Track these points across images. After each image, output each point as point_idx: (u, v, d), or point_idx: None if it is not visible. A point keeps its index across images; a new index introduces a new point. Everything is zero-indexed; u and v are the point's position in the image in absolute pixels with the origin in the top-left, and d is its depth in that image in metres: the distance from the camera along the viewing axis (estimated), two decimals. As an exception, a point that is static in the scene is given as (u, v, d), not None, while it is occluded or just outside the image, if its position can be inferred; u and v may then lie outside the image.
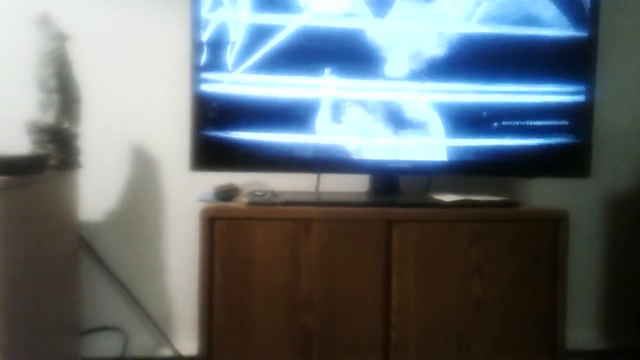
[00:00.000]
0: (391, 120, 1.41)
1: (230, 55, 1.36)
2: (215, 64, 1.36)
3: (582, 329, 1.80)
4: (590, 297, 1.84)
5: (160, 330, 1.69)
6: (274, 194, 1.32)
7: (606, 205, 1.85)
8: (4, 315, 1.06)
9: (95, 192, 1.63)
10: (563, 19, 1.45)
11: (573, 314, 1.41)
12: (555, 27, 1.44)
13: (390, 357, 1.31)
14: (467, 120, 1.43)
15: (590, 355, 1.78)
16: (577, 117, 1.46)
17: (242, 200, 1.34)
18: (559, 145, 1.46)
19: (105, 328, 1.67)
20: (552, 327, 1.35)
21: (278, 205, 1.30)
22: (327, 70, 1.38)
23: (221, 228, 1.27)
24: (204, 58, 1.36)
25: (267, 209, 1.29)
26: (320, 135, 1.39)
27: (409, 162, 1.43)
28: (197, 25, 1.36)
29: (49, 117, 1.37)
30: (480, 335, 1.33)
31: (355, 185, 1.60)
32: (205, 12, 1.36)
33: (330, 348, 1.30)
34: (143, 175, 1.68)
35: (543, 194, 1.76)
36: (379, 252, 1.30)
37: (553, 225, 1.34)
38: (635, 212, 1.83)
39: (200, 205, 1.28)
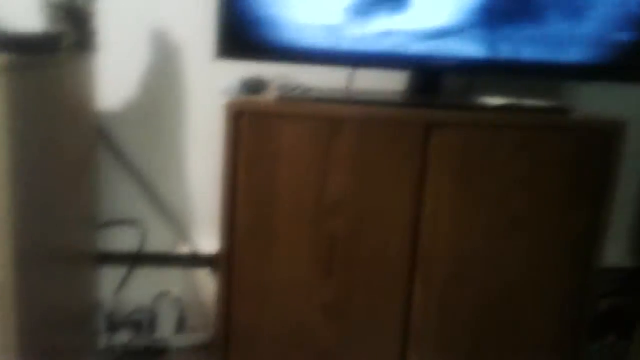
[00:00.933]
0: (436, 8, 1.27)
1: None
2: None
3: (611, 246, 1.73)
4: (622, 215, 1.76)
5: (179, 226, 1.65)
6: (305, 88, 1.22)
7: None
8: (15, 202, 1.00)
9: (113, 79, 1.52)
10: None
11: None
12: None
13: (417, 269, 1.26)
14: (518, 10, 1.28)
15: (619, 272, 1.73)
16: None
17: (271, 94, 1.24)
18: (622, 43, 1.31)
19: (123, 222, 1.63)
20: (589, 246, 1.28)
21: (309, 101, 1.19)
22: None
23: (247, 124, 1.17)
24: None
25: (298, 105, 1.19)
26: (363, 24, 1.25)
27: (454, 57, 1.29)
28: None
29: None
30: (512, 250, 1.26)
31: (392, 82, 1.47)
32: None
33: (355, 256, 1.24)
34: (164, 62, 1.55)
35: (595, 101, 1.61)
36: (415, 157, 1.21)
37: (607, 138, 1.23)
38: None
39: (224, 98, 1.18)
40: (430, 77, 1.36)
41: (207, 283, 1.65)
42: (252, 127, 1.18)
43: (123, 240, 1.63)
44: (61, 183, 1.27)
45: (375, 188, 1.22)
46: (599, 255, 1.28)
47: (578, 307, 1.30)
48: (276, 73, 1.37)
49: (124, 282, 1.63)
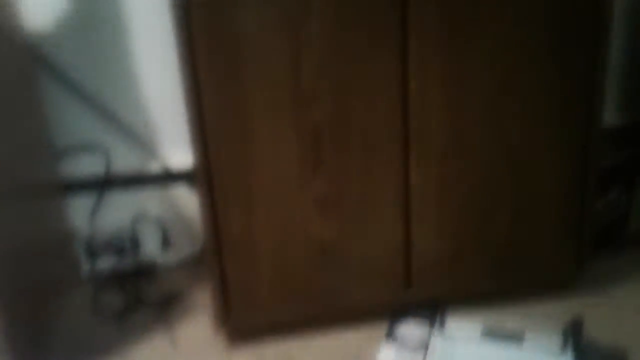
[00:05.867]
0: None
1: None
2: None
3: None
4: (613, 72, 1.70)
5: (144, 143, 1.52)
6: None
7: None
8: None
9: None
10: None
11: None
12: None
13: (410, 147, 1.18)
14: None
15: (608, 131, 1.69)
16: None
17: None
18: None
19: (83, 147, 1.49)
20: (589, 102, 1.21)
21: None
22: None
23: (200, 13, 1.03)
24: None
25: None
26: None
27: None
28: None
29: None
30: (506, 115, 1.18)
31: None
32: None
33: (343, 143, 1.15)
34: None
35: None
36: (393, 28, 1.09)
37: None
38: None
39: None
40: None
41: (185, 198, 1.56)
42: (207, 16, 1.03)
43: (88, 166, 1.51)
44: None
45: (355, 67, 1.11)
46: (599, 112, 1.22)
47: (582, 165, 1.25)
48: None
49: (96, 208, 1.53)
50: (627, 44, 1.69)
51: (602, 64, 1.19)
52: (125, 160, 1.52)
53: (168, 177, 1.55)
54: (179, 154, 1.52)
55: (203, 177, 1.13)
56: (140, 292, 1.50)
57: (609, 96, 1.70)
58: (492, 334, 1.14)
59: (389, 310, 1.22)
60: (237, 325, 1.27)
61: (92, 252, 1.54)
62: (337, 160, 1.16)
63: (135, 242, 1.56)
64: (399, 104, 1.14)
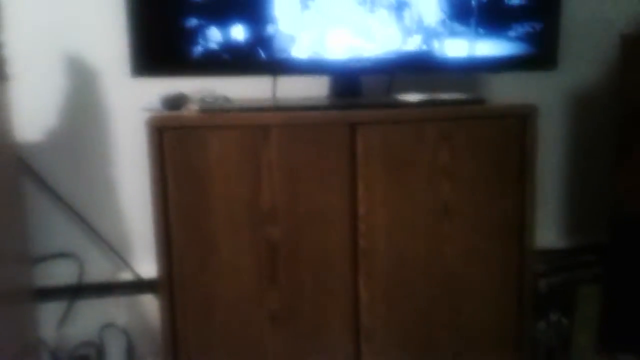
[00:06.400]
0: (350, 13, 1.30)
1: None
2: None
3: (546, 228, 1.81)
4: (554, 197, 1.84)
5: (117, 253, 1.61)
6: (226, 99, 1.22)
7: (571, 101, 1.81)
8: None
9: (31, 110, 1.49)
10: None
11: (537, 214, 1.39)
12: None
13: (360, 266, 1.27)
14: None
15: (554, 253, 1.80)
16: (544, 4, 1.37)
17: (192, 108, 1.24)
18: (526, 35, 1.38)
19: (59, 255, 1.58)
20: (521, 227, 1.32)
21: (232, 112, 1.20)
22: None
23: (171, 139, 1.17)
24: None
25: (221, 115, 1.19)
26: (277, 30, 1.28)
27: (370, 59, 1.33)
28: None
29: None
30: (449, 239, 1.29)
31: (313, 90, 1.49)
32: None
33: (297, 260, 1.24)
34: (82, 86, 1.53)
35: (506, 91, 1.68)
36: (343, 157, 1.23)
37: (521, 121, 1.28)
38: (600, 108, 1.81)
39: (147, 116, 1.17)
40: (349, 79, 1.40)
41: (152, 308, 1.61)
42: (175, 142, 1.17)
43: (61, 274, 1.58)
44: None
45: (309, 190, 1.23)
46: (531, 235, 1.33)
47: (518, 289, 1.34)
48: (199, 87, 1.37)
49: (65, 316, 1.58)
50: (571, 171, 1.85)
51: (531, 193, 1.31)
52: (97, 269, 1.60)
53: (137, 287, 1.61)
54: (149, 263, 1.59)
55: (164, 288, 1.21)
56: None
57: (555, 220, 1.85)
58: None
59: None
60: None
61: (58, 362, 1.56)
62: (291, 276, 1.25)
63: (100, 353, 1.58)
64: (348, 226, 1.25)
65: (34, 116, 1.51)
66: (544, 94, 1.71)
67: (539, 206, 1.34)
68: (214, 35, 1.24)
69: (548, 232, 1.82)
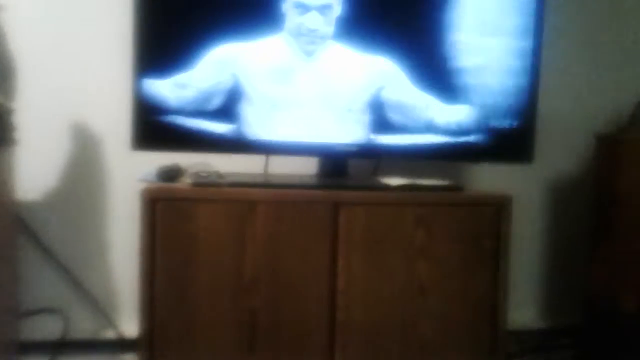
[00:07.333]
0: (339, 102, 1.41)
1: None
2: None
3: (522, 309, 1.85)
4: (531, 279, 1.90)
5: (103, 312, 1.65)
6: (218, 175, 1.30)
7: (548, 192, 1.90)
8: None
9: (33, 171, 1.56)
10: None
11: (514, 295, 1.45)
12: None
13: (336, 338, 1.31)
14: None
15: (530, 334, 1.84)
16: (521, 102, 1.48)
17: (185, 181, 1.31)
18: (504, 130, 1.48)
19: (45, 310, 1.61)
20: (494, 308, 1.38)
21: (223, 187, 1.27)
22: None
23: (163, 209, 1.24)
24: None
25: (211, 190, 1.26)
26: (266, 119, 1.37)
27: (357, 144, 1.43)
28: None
29: (-19, 91, 1.30)
30: (424, 317, 1.35)
31: (305, 167, 1.58)
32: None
33: (276, 330, 1.29)
34: (83, 153, 1.62)
35: (488, 179, 1.77)
36: (325, 234, 1.29)
37: (496, 210, 1.36)
38: (575, 199, 1.89)
39: (143, 186, 1.25)
40: (336, 161, 1.50)
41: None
42: (167, 212, 1.24)
43: (46, 329, 1.61)
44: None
45: (290, 264, 1.29)
46: (504, 316, 1.38)
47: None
48: (194, 160, 1.45)
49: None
50: (547, 255, 1.91)
51: (504, 276, 1.37)
52: (82, 326, 1.63)
53: (120, 346, 1.64)
54: (133, 323, 1.63)
55: (145, 350, 1.25)
56: None
57: (533, 301, 1.89)
58: None
59: None
60: None
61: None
62: (269, 346, 1.29)
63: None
64: (327, 300, 1.30)
65: (36, 177, 1.58)
66: (523, 183, 1.80)
67: (517, 287, 1.39)
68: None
69: (525, 312, 1.87)
